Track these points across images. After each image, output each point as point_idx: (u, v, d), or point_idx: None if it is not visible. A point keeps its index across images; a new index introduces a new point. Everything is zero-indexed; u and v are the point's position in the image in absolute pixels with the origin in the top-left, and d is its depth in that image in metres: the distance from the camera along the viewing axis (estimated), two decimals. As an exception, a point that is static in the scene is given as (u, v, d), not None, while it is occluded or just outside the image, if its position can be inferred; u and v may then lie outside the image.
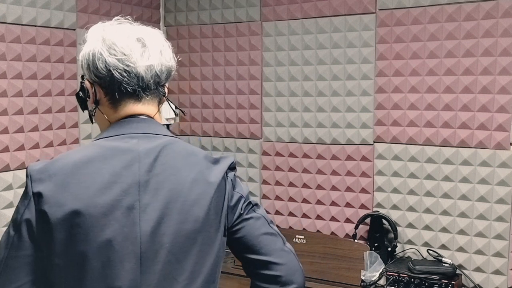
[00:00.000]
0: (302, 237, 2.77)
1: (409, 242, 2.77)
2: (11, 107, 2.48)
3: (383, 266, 2.59)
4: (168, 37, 3.34)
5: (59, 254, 1.14)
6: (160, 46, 1.27)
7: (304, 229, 3.03)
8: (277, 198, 3.12)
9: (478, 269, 2.59)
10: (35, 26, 2.57)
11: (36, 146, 2.59)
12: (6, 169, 2.46)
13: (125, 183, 1.16)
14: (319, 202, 2.99)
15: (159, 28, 3.28)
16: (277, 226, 3.08)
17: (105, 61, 1.21)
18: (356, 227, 2.81)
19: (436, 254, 2.64)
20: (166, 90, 1.33)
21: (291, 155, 3.05)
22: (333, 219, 2.96)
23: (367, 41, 2.78)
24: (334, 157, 2.93)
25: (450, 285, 2.45)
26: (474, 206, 2.59)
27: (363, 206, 2.87)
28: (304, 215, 3.04)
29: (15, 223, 1.16)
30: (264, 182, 3.16)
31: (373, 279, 2.55)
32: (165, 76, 1.28)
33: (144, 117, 1.27)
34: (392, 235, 2.76)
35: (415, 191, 2.73)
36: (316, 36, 2.91)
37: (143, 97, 1.26)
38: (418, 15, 2.64)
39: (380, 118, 2.79)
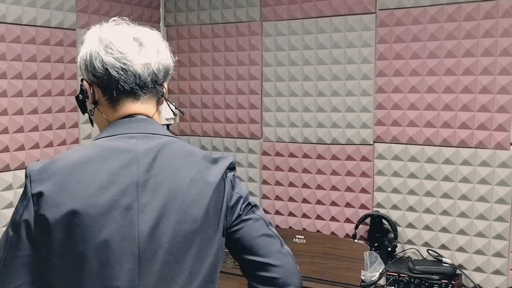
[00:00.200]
0: (302, 237, 2.77)
1: (409, 242, 2.77)
2: (11, 107, 2.48)
3: (383, 266, 2.59)
4: (168, 37, 3.34)
5: (58, 254, 1.14)
6: (157, 45, 1.27)
7: (304, 229, 3.03)
8: (277, 198, 3.12)
9: (478, 269, 2.59)
10: (35, 26, 2.57)
11: (36, 146, 2.59)
12: (6, 169, 2.46)
13: (123, 183, 1.16)
14: (319, 202, 2.99)
15: (159, 28, 3.28)
16: (277, 226, 3.11)
17: (102, 60, 1.22)
18: (356, 227, 2.81)
19: (436, 254, 2.64)
20: (165, 90, 1.33)
21: (291, 155, 3.05)
22: (333, 219, 2.96)
23: (367, 41, 2.78)
24: (334, 157, 2.93)
25: (450, 285, 2.45)
26: (474, 206, 2.59)
27: (363, 206, 2.87)
28: (304, 215, 3.04)
29: (14, 223, 1.16)
30: (264, 182, 3.16)
31: (373, 279, 2.55)
32: (162, 75, 1.28)
33: (143, 116, 1.27)
34: (392, 235, 2.76)
35: (415, 191, 2.73)
36: (316, 36, 2.91)
37: (140, 95, 1.26)
38: (418, 15, 2.64)
39: (380, 118, 2.79)
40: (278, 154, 3.09)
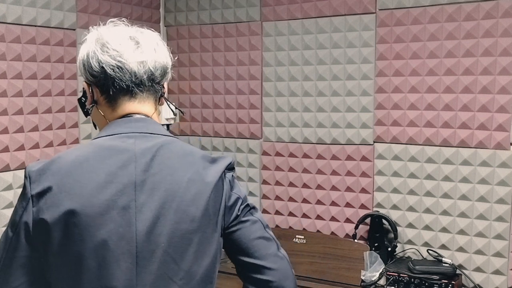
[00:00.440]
0: (302, 237, 2.77)
1: (409, 242, 2.77)
2: (11, 107, 2.48)
3: (383, 266, 2.59)
4: (168, 37, 3.34)
5: (56, 254, 1.14)
6: (154, 44, 1.28)
7: (304, 229, 3.03)
8: (277, 198, 3.12)
9: (478, 269, 2.59)
10: (35, 26, 2.58)
11: (36, 146, 2.59)
12: (6, 169, 2.46)
13: (121, 183, 1.16)
14: (319, 202, 2.99)
15: (159, 28, 3.28)
16: (277, 226, 3.11)
17: (98, 59, 1.23)
18: (356, 227, 2.81)
19: (436, 254, 2.64)
20: (164, 90, 1.33)
21: (291, 155, 3.05)
22: (333, 219, 2.96)
23: (367, 41, 2.78)
24: (334, 157, 2.92)
25: (450, 285, 2.45)
26: (474, 206, 2.59)
27: (363, 206, 2.87)
28: (304, 215, 3.04)
29: (13, 224, 1.16)
30: (264, 182, 3.16)
31: (373, 279, 2.55)
32: (159, 73, 1.28)
33: (142, 116, 1.28)
34: (392, 235, 2.76)
35: (415, 191, 2.73)
36: (316, 36, 2.91)
37: (137, 93, 1.27)
38: (418, 15, 2.64)
39: (380, 118, 2.79)
40: (278, 154, 3.09)
